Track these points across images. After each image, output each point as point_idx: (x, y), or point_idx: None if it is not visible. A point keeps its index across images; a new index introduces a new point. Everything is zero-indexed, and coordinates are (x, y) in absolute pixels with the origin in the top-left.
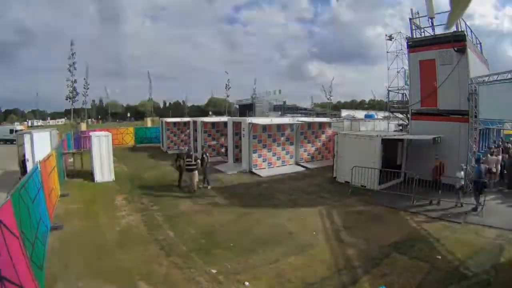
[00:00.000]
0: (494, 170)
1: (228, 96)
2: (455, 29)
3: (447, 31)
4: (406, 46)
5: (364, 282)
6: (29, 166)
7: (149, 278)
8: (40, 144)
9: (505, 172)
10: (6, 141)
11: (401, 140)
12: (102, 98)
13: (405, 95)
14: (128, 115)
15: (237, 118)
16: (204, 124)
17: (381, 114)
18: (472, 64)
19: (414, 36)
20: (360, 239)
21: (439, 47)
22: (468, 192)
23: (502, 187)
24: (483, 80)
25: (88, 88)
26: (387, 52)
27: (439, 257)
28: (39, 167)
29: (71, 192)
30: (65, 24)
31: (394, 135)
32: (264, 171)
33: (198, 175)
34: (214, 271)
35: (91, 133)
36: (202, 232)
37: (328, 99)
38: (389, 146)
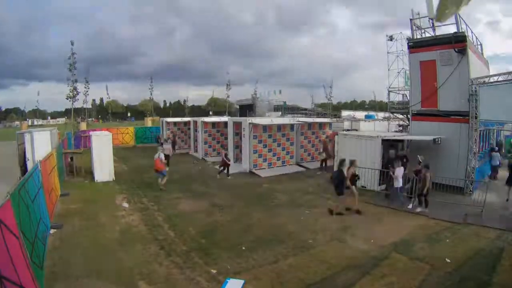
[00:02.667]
0: None
1: (228, 96)
2: (456, 30)
3: (437, 21)
4: (406, 47)
5: (364, 282)
6: (30, 165)
7: (149, 278)
8: (41, 144)
9: None
10: None
11: (401, 140)
12: (103, 97)
13: (406, 95)
14: (129, 114)
15: (238, 118)
16: (205, 124)
17: (381, 115)
18: (472, 65)
19: (415, 37)
20: (360, 239)
21: (440, 48)
22: (468, 193)
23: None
24: (484, 81)
25: (88, 88)
26: (388, 52)
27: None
28: (39, 166)
29: (71, 191)
30: None
31: (394, 136)
32: (264, 171)
33: None
34: (214, 271)
35: (91, 133)
36: (202, 232)
37: (328, 99)
38: (389, 146)
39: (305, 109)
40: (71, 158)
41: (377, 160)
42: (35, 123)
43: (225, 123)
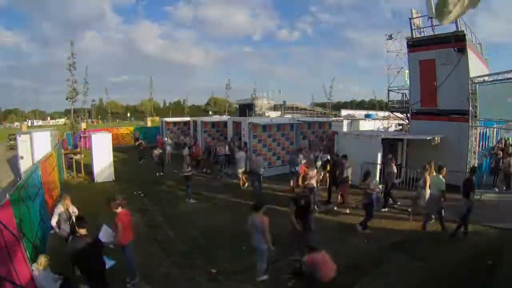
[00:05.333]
0: None
1: (228, 96)
2: (455, 29)
3: (440, 23)
4: (406, 46)
5: (364, 282)
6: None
7: (149, 278)
8: (40, 144)
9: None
10: None
11: (401, 140)
12: (102, 98)
13: (405, 95)
14: (128, 115)
15: (237, 118)
16: (204, 123)
17: (381, 114)
18: (472, 64)
19: (414, 36)
20: (360, 239)
21: (439, 47)
22: None
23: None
24: (483, 80)
25: (88, 88)
26: (387, 51)
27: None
28: (39, 167)
29: (71, 192)
30: None
31: (394, 135)
32: (264, 171)
33: None
34: (214, 271)
35: (91, 133)
36: (202, 232)
37: (328, 98)
38: (389, 145)
39: (305, 109)
40: (71, 158)
41: (377, 159)
42: (35, 123)
43: (225, 123)
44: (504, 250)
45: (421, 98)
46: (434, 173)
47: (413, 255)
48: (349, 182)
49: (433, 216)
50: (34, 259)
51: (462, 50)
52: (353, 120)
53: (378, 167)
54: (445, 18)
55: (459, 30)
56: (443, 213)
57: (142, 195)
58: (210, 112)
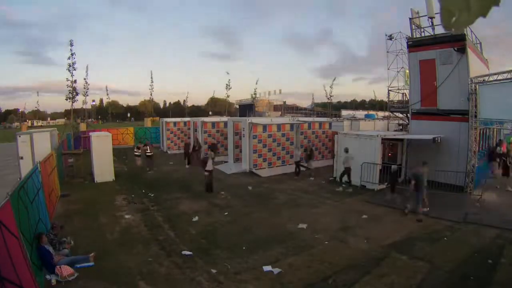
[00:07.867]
0: None
1: (228, 96)
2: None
3: (447, 30)
4: (406, 46)
5: (364, 282)
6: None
7: (149, 278)
8: (40, 144)
9: None
10: None
11: (401, 140)
12: (102, 98)
13: (405, 95)
14: (129, 115)
15: (237, 118)
16: (204, 124)
17: (381, 114)
18: (472, 63)
19: (414, 36)
20: (360, 239)
21: (439, 47)
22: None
23: None
24: (483, 80)
25: (88, 89)
26: (387, 52)
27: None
28: (39, 167)
29: (71, 192)
30: None
31: (394, 135)
32: (264, 171)
33: None
34: (214, 271)
35: (91, 133)
36: (202, 232)
37: (328, 99)
38: (389, 146)
39: (305, 109)
40: (71, 157)
41: (377, 159)
42: (35, 124)
43: (225, 123)
44: (504, 249)
45: (421, 98)
46: None
47: (413, 255)
48: None
49: None
50: (33, 260)
51: (462, 50)
52: (353, 120)
53: (378, 167)
54: (451, 26)
55: None
56: None
57: (144, 196)
58: (210, 113)
